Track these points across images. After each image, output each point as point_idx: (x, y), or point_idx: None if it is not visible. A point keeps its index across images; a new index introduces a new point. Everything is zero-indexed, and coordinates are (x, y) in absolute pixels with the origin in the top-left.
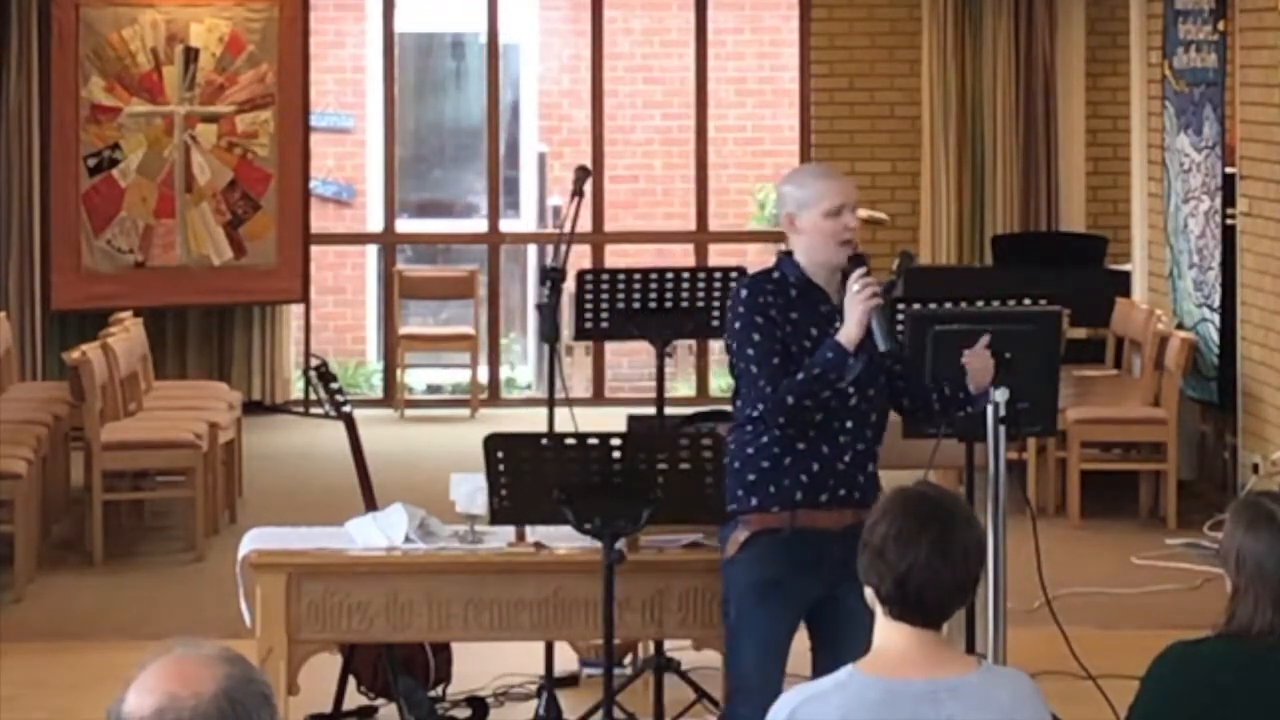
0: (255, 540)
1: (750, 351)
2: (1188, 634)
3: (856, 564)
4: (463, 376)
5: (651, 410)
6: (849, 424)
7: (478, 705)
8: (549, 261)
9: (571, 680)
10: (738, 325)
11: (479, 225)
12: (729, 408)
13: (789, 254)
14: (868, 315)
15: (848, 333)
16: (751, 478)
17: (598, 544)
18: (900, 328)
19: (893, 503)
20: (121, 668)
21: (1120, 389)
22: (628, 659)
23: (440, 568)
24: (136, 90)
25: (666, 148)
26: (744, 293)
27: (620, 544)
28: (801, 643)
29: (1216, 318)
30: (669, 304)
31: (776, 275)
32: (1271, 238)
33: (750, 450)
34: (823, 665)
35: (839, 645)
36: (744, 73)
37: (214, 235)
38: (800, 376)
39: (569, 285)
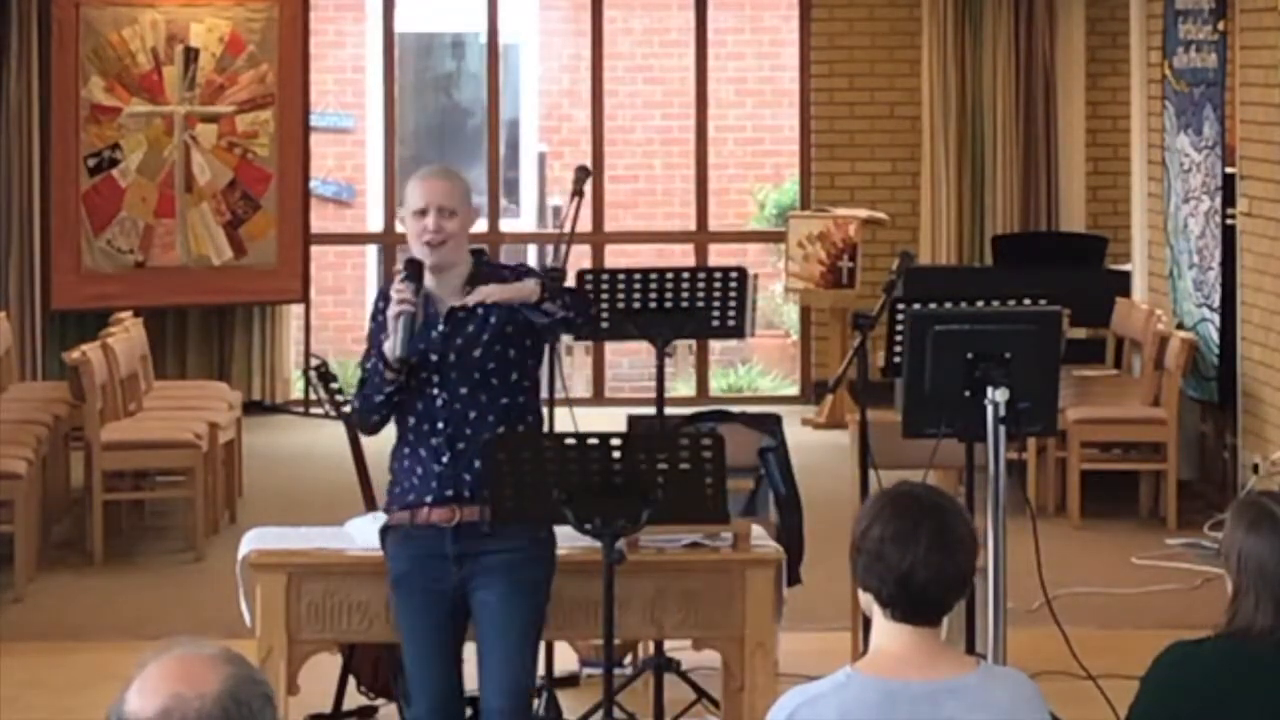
0: (255, 540)
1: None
2: (1188, 634)
3: (483, 559)
4: None
5: (651, 410)
6: (440, 425)
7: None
8: (549, 261)
9: (571, 680)
10: None
11: (479, 225)
12: (730, 408)
13: None
14: (395, 322)
15: (387, 341)
16: (389, 478)
17: (598, 544)
18: (899, 329)
19: (880, 505)
20: (121, 668)
21: (1120, 389)
22: (628, 659)
23: None
24: (136, 90)
25: (666, 148)
26: (375, 296)
27: (620, 544)
28: (808, 644)
29: (1216, 318)
30: (669, 304)
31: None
32: (1271, 238)
33: (391, 451)
34: (478, 666)
35: (479, 641)
36: (744, 73)
37: (214, 235)
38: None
39: (569, 285)
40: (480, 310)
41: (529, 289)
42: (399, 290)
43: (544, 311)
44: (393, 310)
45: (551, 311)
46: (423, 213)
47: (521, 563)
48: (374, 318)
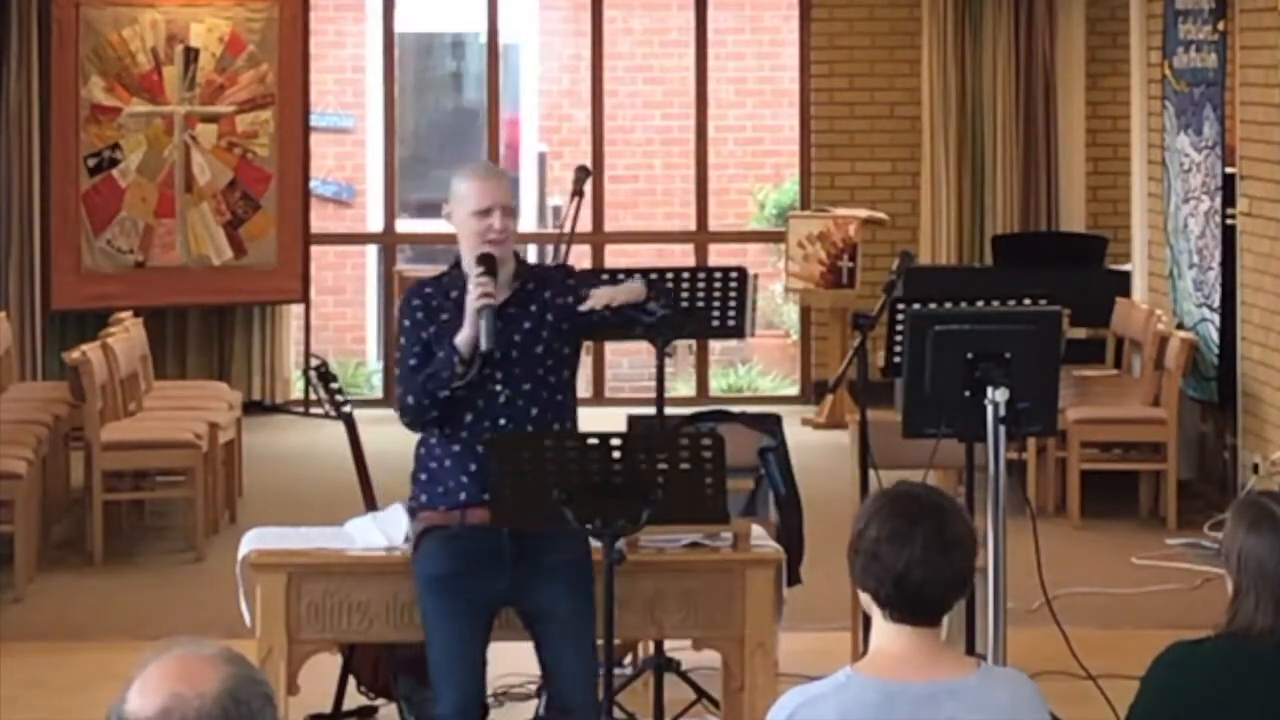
0: (255, 540)
1: (397, 354)
2: (1188, 634)
3: (542, 559)
4: None
5: (651, 410)
6: (502, 421)
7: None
8: (548, 262)
9: None
10: (398, 330)
11: None
12: (730, 408)
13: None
14: (476, 315)
15: (461, 333)
16: (423, 477)
17: (598, 544)
18: (899, 329)
19: (878, 505)
20: (121, 668)
21: (1120, 389)
22: (628, 659)
23: None
24: (136, 90)
25: (666, 148)
26: (403, 296)
27: (620, 544)
28: (808, 644)
29: (1216, 318)
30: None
31: (444, 279)
32: (1271, 238)
33: (422, 450)
34: (542, 662)
35: (540, 644)
36: (744, 73)
37: (214, 235)
38: (420, 377)
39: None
40: (534, 308)
41: (638, 289)
42: (481, 284)
43: (647, 310)
44: (475, 304)
45: (653, 310)
46: (486, 212)
47: (576, 561)
48: (409, 316)
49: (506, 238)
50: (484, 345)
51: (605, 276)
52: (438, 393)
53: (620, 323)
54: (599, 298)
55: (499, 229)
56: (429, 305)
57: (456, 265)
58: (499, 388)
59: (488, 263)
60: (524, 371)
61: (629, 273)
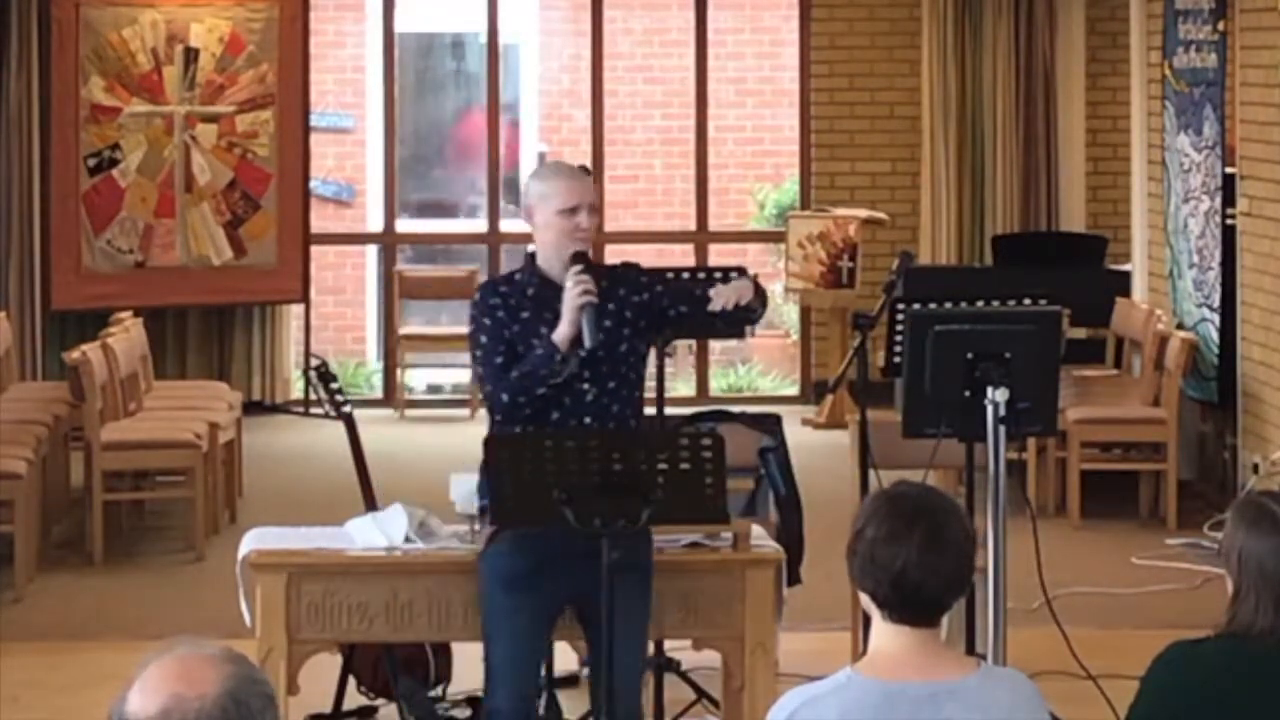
0: (255, 540)
1: (478, 353)
2: (1188, 634)
3: (612, 561)
4: (462, 376)
5: (651, 410)
6: (587, 420)
7: (478, 705)
8: None
9: (571, 680)
10: (471, 328)
11: (479, 225)
12: (730, 408)
13: (534, 254)
14: (578, 312)
15: (560, 330)
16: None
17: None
18: (899, 329)
19: (876, 505)
20: (121, 668)
21: (1120, 389)
22: None
23: (440, 568)
24: (136, 90)
25: (666, 148)
26: (477, 295)
27: None
28: (808, 644)
29: (1216, 318)
30: None
31: (518, 276)
32: (1271, 238)
33: None
34: (595, 661)
35: (598, 643)
36: (744, 73)
37: (214, 235)
38: (514, 374)
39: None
40: (612, 306)
41: (748, 287)
42: (581, 281)
43: (751, 308)
44: (576, 301)
45: (755, 308)
46: (574, 210)
47: (643, 562)
48: (489, 314)
49: (590, 235)
50: (588, 342)
51: (670, 275)
52: (534, 389)
53: (735, 321)
54: (725, 297)
55: (586, 226)
56: (508, 304)
57: (530, 261)
58: (586, 385)
59: (584, 260)
60: (609, 369)
61: (663, 271)
